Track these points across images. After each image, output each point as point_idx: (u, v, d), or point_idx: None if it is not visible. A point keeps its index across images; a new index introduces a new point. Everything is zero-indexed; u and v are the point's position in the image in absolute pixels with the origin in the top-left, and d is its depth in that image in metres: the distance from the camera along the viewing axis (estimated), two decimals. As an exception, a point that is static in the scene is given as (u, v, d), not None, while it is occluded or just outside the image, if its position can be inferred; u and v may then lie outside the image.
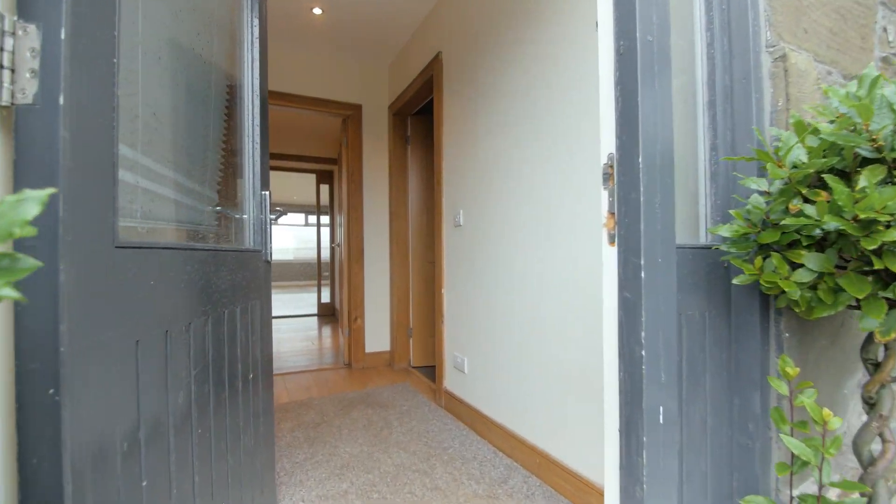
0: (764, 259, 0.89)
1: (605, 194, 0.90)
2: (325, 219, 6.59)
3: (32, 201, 0.26)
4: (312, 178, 6.39)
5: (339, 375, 3.19)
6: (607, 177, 0.89)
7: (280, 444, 2.00)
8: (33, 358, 0.52)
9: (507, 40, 1.89)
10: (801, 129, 0.87)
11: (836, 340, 1.15)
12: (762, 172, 1.03)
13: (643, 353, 0.80)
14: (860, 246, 0.72)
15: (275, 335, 4.81)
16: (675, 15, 0.93)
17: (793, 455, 0.91)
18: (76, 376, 0.54)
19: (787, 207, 0.87)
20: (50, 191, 0.29)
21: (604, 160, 0.90)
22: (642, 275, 0.80)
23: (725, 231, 0.90)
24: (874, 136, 0.74)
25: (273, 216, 1.37)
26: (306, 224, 12.34)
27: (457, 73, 2.37)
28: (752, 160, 0.88)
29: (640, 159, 0.81)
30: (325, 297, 6.47)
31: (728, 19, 1.10)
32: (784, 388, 0.92)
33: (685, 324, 0.96)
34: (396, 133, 3.40)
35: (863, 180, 0.74)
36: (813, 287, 0.87)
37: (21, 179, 0.53)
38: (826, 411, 0.84)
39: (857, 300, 0.77)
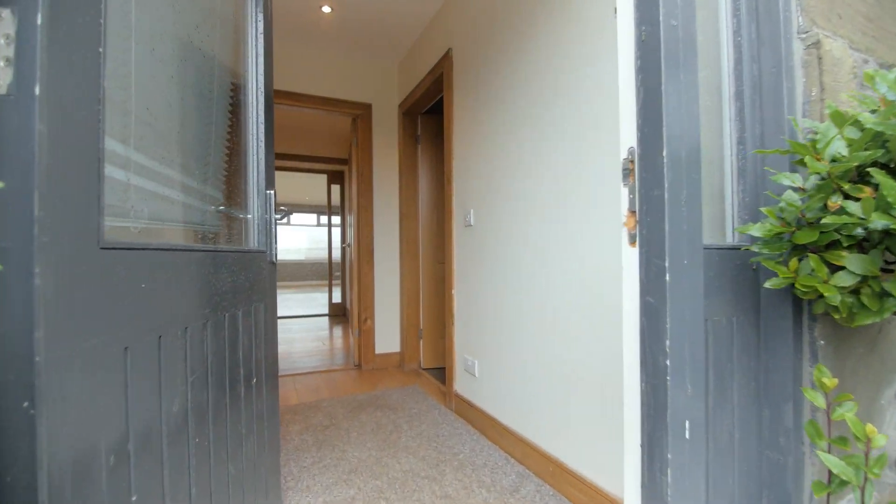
0: (799, 261, 0.82)
1: (624, 191, 0.84)
2: (336, 219, 6.59)
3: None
4: (324, 178, 6.39)
5: (348, 377, 3.16)
6: (627, 172, 0.83)
7: (288, 448, 1.97)
8: (6, 369, 0.48)
9: (518, 34, 1.83)
10: (841, 119, 0.80)
11: (874, 348, 1.07)
12: (794, 168, 0.96)
13: (667, 362, 0.74)
14: (913, 247, 0.65)
15: (286, 335, 4.81)
16: (700, -2, 0.87)
17: (830, 473, 0.84)
18: (54, 388, 0.51)
19: (825, 205, 0.80)
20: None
21: (623, 155, 0.84)
22: (667, 278, 0.74)
23: (756, 230, 0.84)
24: (928, 125, 0.67)
25: (278, 216, 1.34)
26: (318, 224, 12.41)
27: (467, 71, 2.32)
28: (786, 153, 0.81)
29: (664, 153, 0.75)
30: (337, 297, 6.47)
31: (756, 4, 1.03)
32: (821, 401, 0.85)
33: (711, 330, 0.89)
34: (406, 132, 3.36)
35: (915, 174, 0.67)
36: (854, 291, 0.80)
37: (-7, 176, 0.50)
38: (870, 427, 0.77)
39: (908, 306, 0.70)
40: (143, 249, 0.69)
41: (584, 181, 1.47)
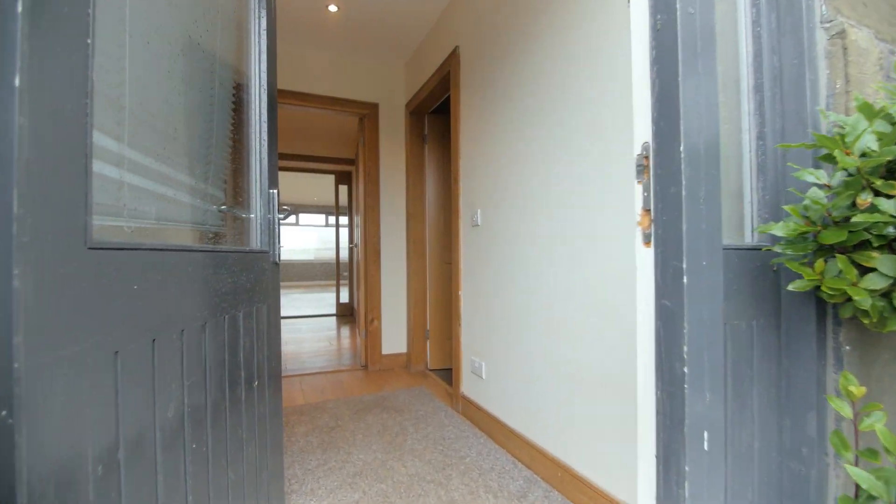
0: (826, 262, 0.77)
1: (638, 189, 0.80)
2: (343, 219, 6.59)
3: None
4: (331, 179, 6.39)
5: (355, 377, 3.14)
6: (641, 169, 0.79)
7: (293, 449, 1.94)
8: (-17, 376, 0.45)
9: (525, 31, 1.79)
10: (870, 112, 0.75)
11: (902, 354, 1.01)
12: (817, 164, 0.91)
13: (685, 369, 0.70)
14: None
15: (294, 335, 4.81)
16: (719, -15, 0.83)
17: (857, 487, 0.80)
18: (35, 395, 0.48)
19: (853, 202, 0.75)
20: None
21: (637, 150, 0.80)
22: (684, 280, 0.69)
23: (779, 230, 0.79)
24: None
25: (281, 215, 1.31)
26: (326, 225, 12.45)
27: (474, 69, 2.28)
28: (812, 147, 0.77)
29: (681, 148, 0.71)
30: (345, 298, 6.47)
31: (777, -8, 0.98)
32: (847, 410, 0.80)
33: (730, 335, 0.85)
34: (413, 132, 3.33)
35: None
36: (885, 294, 0.75)
37: (-30, 172, 0.47)
38: (903, 440, 0.72)
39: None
40: (136, 249, 0.66)
41: (594, 179, 1.42)
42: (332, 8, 2.69)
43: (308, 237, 12.61)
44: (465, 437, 2.07)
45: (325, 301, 8.15)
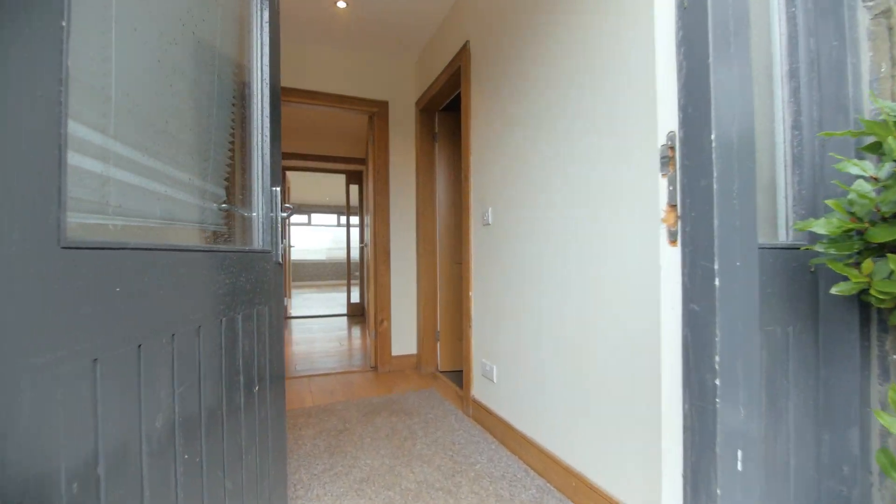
0: (874, 262, 0.69)
1: (662, 182, 0.73)
2: (354, 219, 6.57)
3: None
4: (342, 178, 6.38)
5: (364, 379, 3.10)
6: (666, 161, 0.73)
7: (300, 453, 1.91)
8: (-65, 389, 0.41)
9: (538, 22, 1.72)
10: (926, 95, 0.67)
11: (954, 363, 0.92)
12: (861, 154, 0.83)
13: (717, 381, 0.63)
14: None
15: (305, 335, 4.80)
16: (753, -42, 0.76)
17: (909, 512, 0.72)
18: (-4, 409, 0.43)
19: (907, 196, 0.67)
20: None
21: (661, 141, 0.74)
22: (716, 282, 0.63)
23: (821, 227, 0.72)
24: None
25: (284, 214, 1.27)
26: (338, 225, 12.49)
27: (485, 63, 2.22)
28: (859, 135, 0.69)
29: (712, 137, 0.64)
30: (356, 298, 6.45)
31: (814, -31, 0.90)
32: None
33: (763, 342, 0.77)
34: (424, 129, 3.28)
35: None
36: (943, 299, 0.67)
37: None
38: (965, 463, 0.64)
39: None
40: (120, 249, 0.62)
41: (611, 173, 1.35)
42: (341, 4, 2.65)
43: (320, 237, 12.66)
44: (476, 443, 2.01)
45: (336, 301, 8.15)
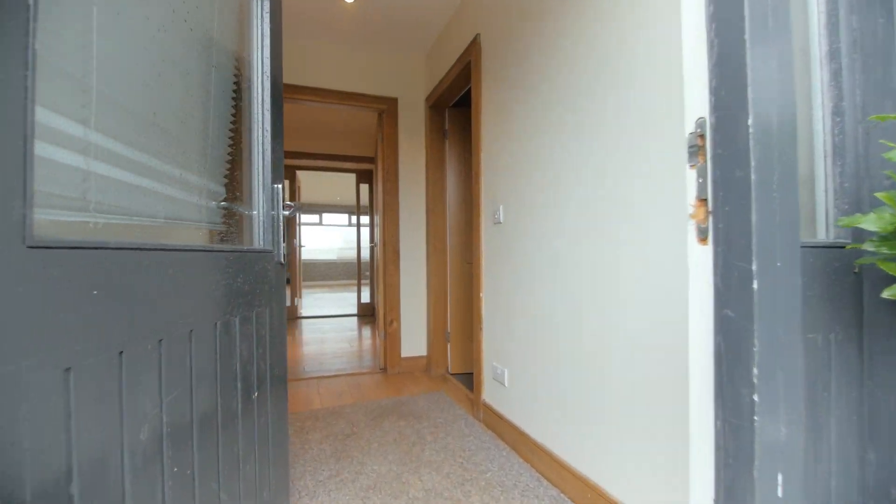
0: (934, 263, 0.62)
1: (690, 175, 0.66)
2: (365, 219, 6.55)
3: None
4: (353, 177, 6.36)
5: (373, 380, 3.05)
6: (695, 150, 0.66)
7: (306, 458, 1.86)
8: None
9: (553, 8, 1.65)
10: None
11: None
12: (911, 144, 0.75)
13: (755, 396, 0.56)
14: None
15: (315, 335, 4.78)
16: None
17: (972, 543, 0.64)
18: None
19: (972, 188, 0.59)
20: None
21: (689, 128, 0.67)
22: (754, 285, 0.56)
23: (871, 223, 0.64)
24: None
25: (285, 212, 1.22)
26: (350, 224, 12.51)
27: (496, 56, 2.15)
28: (917, 120, 0.61)
29: (749, 122, 0.57)
30: (366, 298, 6.43)
31: (856, -59, 0.82)
32: (958, 447, 0.64)
33: (802, 351, 0.70)
34: (433, 126, 3.22)
35: None
36: None
37: None
38: None
39: None
40: (98, 249, 0.57)
41: (630, 167, 1.27)
42: None
43: (332, 237, 12.69)
44: (487, 449, 1.94)
45: (347, 301, 8.15)
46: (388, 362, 3.24)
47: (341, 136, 5.30)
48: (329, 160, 5.46)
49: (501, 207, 2.11)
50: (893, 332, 0.76)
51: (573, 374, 1.55)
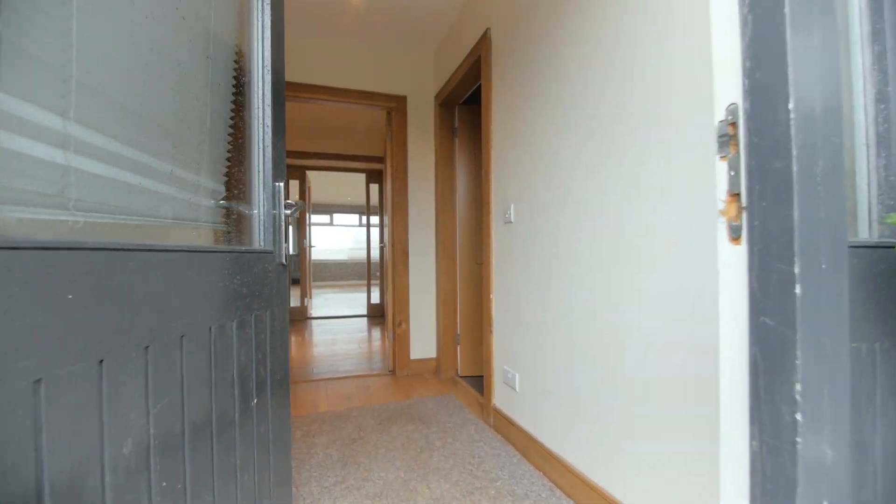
0: None
1: (721, 167, 0.60)
2: (375, 219, 6.53)
3: None
4: (363, 177, 6.34)
5: (382, 383, 3.01)
6: (725, 140, 0.59)
7: (311, 463, 1.82)
8: None
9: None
10: None
11: None
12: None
13: (798, 416, 0.50)
14: None
15: (325, 336, 4.76)
16: None
17: None
18: None
19: None
20: None
21: (719, 115, 0.60)
22: (797, 290, 0.49)
23: (927, 220, 0.57)
24: None
25: (287, 211, 1.18)
26: (360, 224, 12.52)
27: (507, 51, 2.09)
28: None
29: (790, 106, 0.51)
30: (376, 298, 6.40)
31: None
32: None
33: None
34: (443, 124, 3.17)
35: None
36: None
37: None
38: None
39: None
40: (74, 249, 0.53)
41: (654, 160, 1.21)
42: (357, -3, 2.57)
43: (343, 237, 12.72)
44: (497, 456, 1.89)
45: (357, 301, 8.14)
46: (396, 364, 3.19)
47: (351, 135, 5.28)
48: (339, 160, 5.44)
49: (512, 206, 2.05)
50: (947, 340, 0.68)
51: (586, 379, 1.49)
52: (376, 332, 5.01)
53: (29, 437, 0.47)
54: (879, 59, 0.74)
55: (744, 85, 0.57)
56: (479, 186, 3.15)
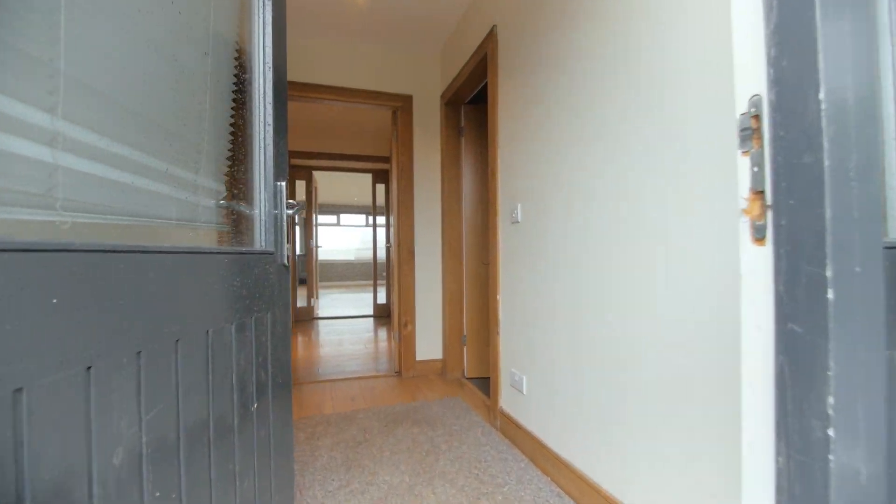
0: None
1: (743, 163, 0.56)
2: (381, 219, 6.51)
3: None
4: (369, 177, 6.33)
5: (387, 384, 2.99)
6: (748, 135, 0.56)
7: (315, 466, 1.80)
8: None
9: (573, -5, 1.55)
10: None
11: None
12: None
13: (830, 431, 0.46)
14: None
15: (331, 336, 4.75)
16: None
17: None
18: None
19: None
20: None
21: (741, 108, 0.57)
22: (829, 294, 0.46)
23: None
24: None
25: (289, 211, 1.15)
26: (367, 225, 12.53)
27: (514, 49, 2.06)
28: None
29: (820, 95, 0.47)
30: (382, 299, 6.39)
31: None
32: None
33: (878, 370, 0.59)
34: (449, 124, 3.14)
35: None
36: None
37: None
38: None
39: None
40: (59, 251, 0.51)
41: (668, 157, 1.17)
42: (362, -5, 2.55)
43: (350, 237, 12.73)
44: (504, 460, 1.85)
45: (364, 301, 8.14)
46: (402, 365, 3.17)
47: (357, 135, 5.27)
48: (345, 160, 5.43)
49: (519, 206, 2.01)
50: None
51: (595, 383, 1.45)
52: (382, 333, 5.00)
53: (8, 451, 0.45)
54: (911, 47, 0.70)
55: (768, 74, 0.53)
56: (485, 186, 3.11)
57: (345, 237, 12.63)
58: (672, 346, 1.13)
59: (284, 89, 1.21)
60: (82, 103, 0.61)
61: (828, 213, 0.46)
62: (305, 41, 2.98)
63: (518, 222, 2.03)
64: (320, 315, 6.39)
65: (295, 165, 5.55)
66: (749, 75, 0.56)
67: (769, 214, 0.52)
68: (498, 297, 2.25)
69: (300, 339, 4.68)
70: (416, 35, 3.01)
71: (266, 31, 1.13)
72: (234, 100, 1.12)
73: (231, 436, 0.89)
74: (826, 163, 0.47)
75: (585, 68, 1.49)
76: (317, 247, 6.56)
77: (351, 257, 12.64)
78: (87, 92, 0.62)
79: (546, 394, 1.78)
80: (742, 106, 0.56)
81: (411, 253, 3.18)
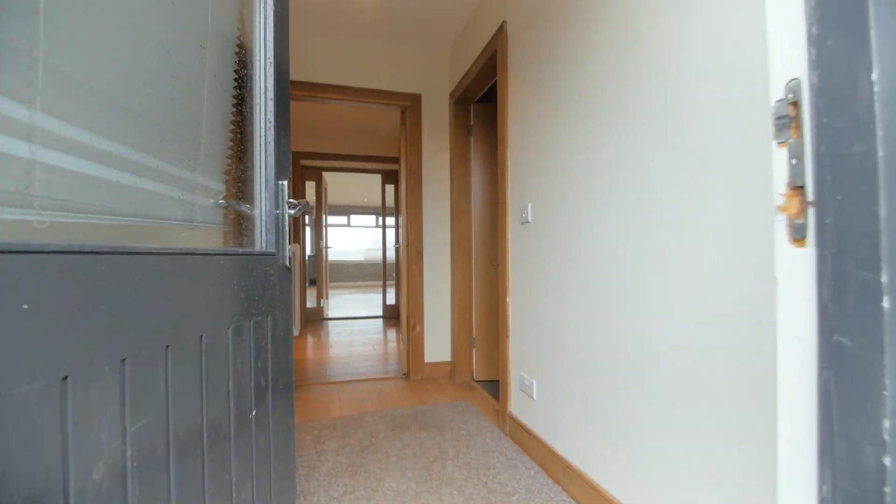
0: None
1: (779, 154, 0.51)
2: (391, 220, 6.49)
3: None
4: (378, 178, 6.31)
5: (395, 387, 2.95)
6: (784, 123, 0.50)
7: (320, 471, 1.77)
8: None
9: (586, -14, 1.49)
10: None
11: None
12: None
13: (886, 460, 0.40)
14: None
15: (340, 337, 4.73)
16: None
17: None
18: None
19: None
20: None
21: (777, 94, 0.51)
22: (884, 303, 0.40)
23: None
24: None
25: (291, 211, 1.12)
26: (377, 225, 12.54)
27: (524, 45, 2.00)
28: None
29: (872, 77, 0.41)
30: (391, 299, 6.36)
31: None
32: None
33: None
34: (458, 123, 3.10)
35: None
36: None
37: None
38: None
39: None
40: (30, 253, 0.47)
41: (692, 150, 1.11)
42: (370, -8, 2.51)
43: (360, 238, 12.75)
44: (514, 467, 1.79)
45: (373, 302, 8.13)
46: (410, 368, 3.13)
47: (366, 136, 5.25)
48: (355, 161, 5.41)
49: (530, 206, 1.96)
50: None
51: (609, 388, 1.39)
52: (391, 334, 4.96)
53: (-29, 469, 0.41)
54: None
55: (809, 55, 0.47)
56: (494, 185, 3.06)
57: (355, 238, 12.66)
58: (691, 353, 1.06)
59: (286, 85, 1.18)
60: (63, 95, 0.58)
61: (882, 210, 0.41)
62: (313, 40, 2.96)
63: (528, 222, 1.98)
64: (330, 316, 6.39)
65: (305, 166, 5.55)
66: (786, 57, 0.50)
67: (810, 212, 0.47)
68: (507, 298, 2.20)
69: (310, 340, 4.66)
70: (425, 33, 2.97)
71: (267, 24, 1.09)
72: (234, 96, 1.09)
73: (227, 445, 0.85)
74: (880, 153, 0.41)
75: (601, 56, 1.43)
76: (327, 247, 6.56)
77: (361, 258, 12.66)
78: (68, 83, 0.58)
79: (557, 399, 1.72)
80: (778, 92, 0.51)
81: (420, 253, 3.14)
